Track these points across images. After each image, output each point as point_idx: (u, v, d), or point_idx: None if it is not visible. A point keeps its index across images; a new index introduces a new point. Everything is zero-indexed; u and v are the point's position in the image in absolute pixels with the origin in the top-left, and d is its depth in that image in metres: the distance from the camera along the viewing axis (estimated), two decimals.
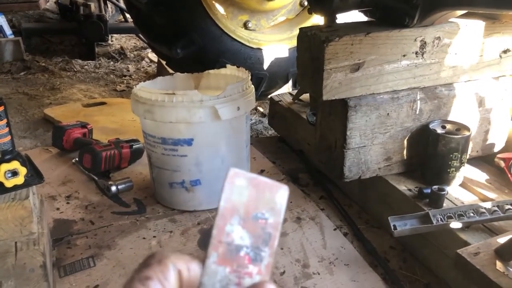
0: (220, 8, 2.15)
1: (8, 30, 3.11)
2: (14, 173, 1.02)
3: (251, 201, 0.35)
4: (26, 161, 1.08)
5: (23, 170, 1.04)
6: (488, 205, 1.12)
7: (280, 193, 0.36)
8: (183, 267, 0.36)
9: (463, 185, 1.28)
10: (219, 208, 0.35)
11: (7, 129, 1.03)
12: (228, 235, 0.35)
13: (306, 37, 1.21)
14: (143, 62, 3.11)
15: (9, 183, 1.02)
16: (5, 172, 1.01)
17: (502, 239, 1.00)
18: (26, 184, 1.05)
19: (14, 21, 3.61)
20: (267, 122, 2.05)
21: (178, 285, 0.35)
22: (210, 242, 0.35)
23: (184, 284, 0.36)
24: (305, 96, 1.82)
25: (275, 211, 0.36)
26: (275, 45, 2.20)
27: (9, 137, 1.04)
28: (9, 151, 1.04)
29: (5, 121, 1.02)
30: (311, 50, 1.19)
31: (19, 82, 2.69)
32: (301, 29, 1.25)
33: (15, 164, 1.03)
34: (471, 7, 1.13)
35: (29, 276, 1.04)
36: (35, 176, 1.09)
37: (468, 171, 1.32)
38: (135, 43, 3.47)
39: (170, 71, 2.34)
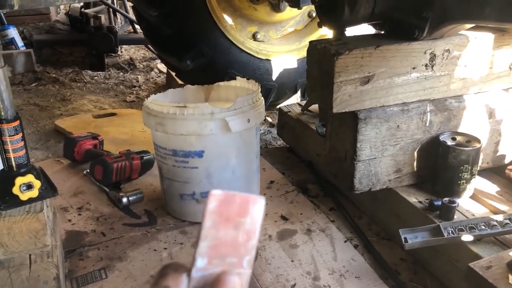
0: (229, 20, 2.17)
1: (20, 42, 3.16)
2: (29, 186, 1.04)
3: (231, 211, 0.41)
4: (41, 174, 1.09)
5: (37, 183, 1.05)
6: (499, 217, 1.12)
7: (257, 206, 0.42)
8: None
9: (474, 197, 1.28)
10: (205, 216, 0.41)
11: (22, 143, 1.04)
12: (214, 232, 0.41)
13: (316, 50, 1.22)
14: (152, 72, 3.14)
15: (24, 196, 1.03)
16: (20, 186, 1.03)
17: None
18: (41, 197, 1.06)
19: (25, 32, 3.67)
20: (275, 132, 2.05)
21: None
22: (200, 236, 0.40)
23: None
24: (314, 107, 1.82)
25: (253, 219, 0.42)
26: (283, 56, 2.22)
27: (24, 151, 1.05)
28: (24, 164, 1.05)
29: (20, 135, 1.04)
30: (321, 63, 1.20)
31: (31, 93, 2.72)
32: (311, 42, 1.26)
33: (30, 178, 1.04)
34: (480, 21, 1.13)
35: None
36: (49, 189, 1.11)
37: (478, 183, 1.31)
38: (144, 53, 3.50)
39: (179, 81, 2.37)
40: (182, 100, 1.54)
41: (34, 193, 1.05)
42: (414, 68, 1.22)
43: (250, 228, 0.41)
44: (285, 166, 1.81)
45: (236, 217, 0.40)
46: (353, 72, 1.16)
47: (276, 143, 2.07)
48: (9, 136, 1.02)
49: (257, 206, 0.41)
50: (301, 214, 1.48)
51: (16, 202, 1.03)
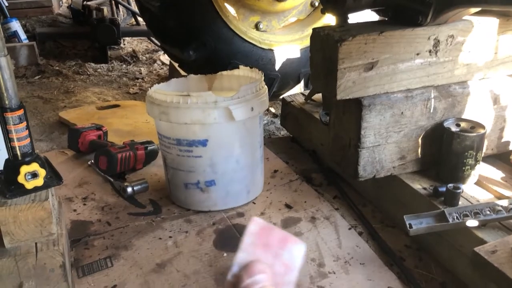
0: (231, 10, 2.16)
1: (22, 35, 3.16)
2: (34, 175, 1.04)
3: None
4: (45, 163, 1.10)
5: (42, 172, 1.05)
6: (504, 203, 1.12)
7: (298, 245, 0.42)
8: None
9: (478, 183, 1.28)
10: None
11: (26, 132, 1.05)
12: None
13: (319, 37, 1.22)
14: (155, 64, 3.14)
15: (29, 185, 1.03)
16: (25, 174, 1.03)
17: None
18: (46, 186, 1.06)
19: (28, 26, 3.67)
20: (279, 122, 2.05)
21: None
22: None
23: None
24: (317, 96, 1.82)
25: (292, 256, 0.43)
26: (286, 45, 2.21)
27: (28, 140, 1.05)
28: (29, 153, 1.05)
29: (24, 123, 1.04)
30: (325, 50, 1.20)
31: (34, 86, 2.73)
32: (314, 29, 1.25)
33: (34, 166, 1.04)
34: (485, 5, 1.12)
35: (49, 276, 1.06)
36: (53, 177, 1.11)
37: (483, 169, 1.31)
38: (147, 46, 3.50)
39: (183, 73, 2.37)
40: (185, 89, 1.54)
41: (39, 181, 1.05)
42: (418, 54, 1.22)
43: (288, 263, 0.41)
44: (289, 156, 1.81)
45: (275, 247, 0.41)
46: (357, 59, 1.16)
47: (280, 133, 2.07)
48: (14, 124, 1.02)
49: (297, 246, 0.42)
50: (305, 202, 1.48)
51: (21, 190, 1.03)
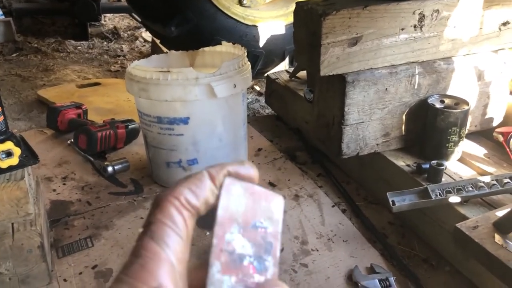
0: None
1: None
2: (8, 154, 1.01)
3: (249, 210, 0.35)
4: (20, 142, 1.06)
5: (17, 151, 1.02)
6: (486, 179, 1.12)
7: (276, 202, 0.36)
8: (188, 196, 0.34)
9: (461, 159, 1.28)
10: (217, 217, 0.34)
11: (0, 110, 1.01)
12: (229, 244, 0.34)
13: (303, 11, 1.19)
14: (137, 41, 3.07)
15: (3, 164, 1.00)
16: None
17: (500, 213, 1.00)
18: (21, 165, 1.03)
19: (4, 1, 3.54)
20: (263, 101, 2.03)
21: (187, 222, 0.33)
22: (211, 251, 0.33)
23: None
24: (302, 74, 1.80)
25: (273, 220, 0.36)
26: (271, 21, 2.17)
27: (1, 118, 1.01)
28: (2, 131, 1.02)
29: None
30: (308, 24, 1.17)
31: (12, 63, 2.65)
32: (297, 3, 1.22)
33: (9, 145, 1.01)
34: None
35: (27, 257, 1.04)
36: (30, 156, 1.08)
37: (466, 146, 1.31)
38: (128, 22, 3.42)
39: (165, 50, 2.31)
40: (166, 66, 1.50)
41: (14, 160, 1.01)
42: (402, 29, 1.19)
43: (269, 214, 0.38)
44: (273, 134, 1.80)
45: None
46: (341, 33, 1.13)
47: (264, 111, 2.04)
48: None
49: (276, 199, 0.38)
50: (289, 180, 1.47)
51: None
